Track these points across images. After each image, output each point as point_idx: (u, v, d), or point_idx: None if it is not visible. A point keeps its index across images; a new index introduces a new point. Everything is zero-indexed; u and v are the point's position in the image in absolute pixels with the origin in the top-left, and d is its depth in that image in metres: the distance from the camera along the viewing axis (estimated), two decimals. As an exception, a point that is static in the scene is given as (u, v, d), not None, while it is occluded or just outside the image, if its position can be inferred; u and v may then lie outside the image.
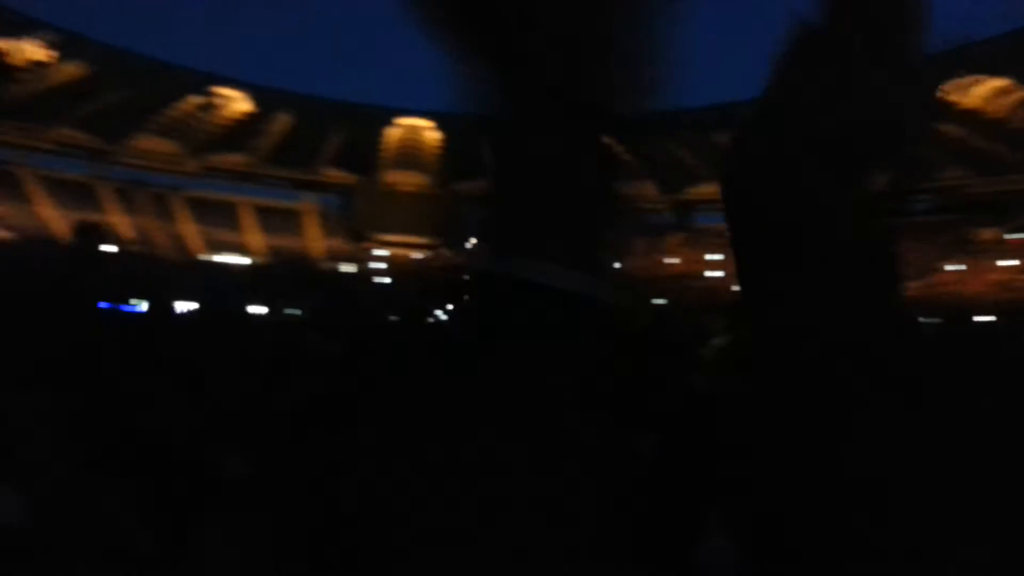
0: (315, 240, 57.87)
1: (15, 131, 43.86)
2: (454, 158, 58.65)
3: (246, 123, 55.89)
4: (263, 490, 1.72)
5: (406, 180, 60.57)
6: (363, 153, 58.36)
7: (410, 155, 60.14)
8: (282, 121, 56.32)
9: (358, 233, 58.47)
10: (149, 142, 53.19)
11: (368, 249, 57.93)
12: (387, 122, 58.91)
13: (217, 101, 54.51)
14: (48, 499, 1.15)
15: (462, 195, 61.05)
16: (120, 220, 49.74)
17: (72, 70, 47.88)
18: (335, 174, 59.22)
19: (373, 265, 55.80)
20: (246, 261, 51.48)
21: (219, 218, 55.25)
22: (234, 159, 56.76)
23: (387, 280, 52.31)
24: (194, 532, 1.38)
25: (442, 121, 58.65)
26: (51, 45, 46.05)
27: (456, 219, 61.04)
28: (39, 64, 45.83)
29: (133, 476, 1.25)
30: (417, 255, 58.49)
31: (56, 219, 47.61)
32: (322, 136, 56.98)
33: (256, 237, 55.81)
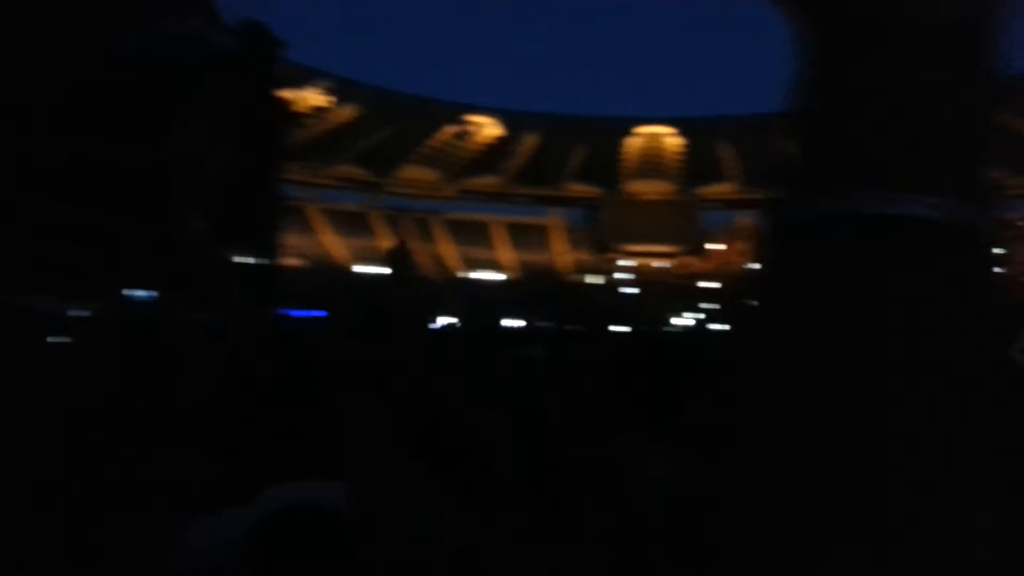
0: (562, 253, 59.45)
1: (301, 170, 49.77)
2: (695, 163, 57.42)
3: (496, 146, 58.95)
4: (558, 489, 1.77)
5: (648, 189, 60.29)
6: (605, 165, 59.03)
7: (651, 163, 59.82)
8: (529, 141, 58.67)
9: (603, 244, 59.15)
10: (413, 172, 57.94)
11: (614, 260, 58.37)
12: (627, 132, 59.14)
13: (470, 128, 58.11)
14: (373, 492, 1.25)
15: (704, 200, 59.52)
16: (389, 244, 54.65)
17: (347, 112, 53.60)
18: (579, 188, 60.48)
19: (619, 276, 56.08)
20: (500, 277, 54.15)
21: (473, 237, 58.71)
22: (486, 181, 60.04)
23: (634, 290, 52.27)
24: (491, 527, 1.44)
25: (682, 126, 57.74)
26: (328, 91, 51.91)
27: (700, 224, 59.58)
28: (319, 109, 51.83)
29: (444, 474, 1.33)
30: (662, 263, 57.91)
31: (336, 246, 53.44)
32: (566, 152, 58.50)
33: (508, 253, 58.52)
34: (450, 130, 57.54)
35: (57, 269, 9.42)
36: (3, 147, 8.81)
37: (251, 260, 16.47)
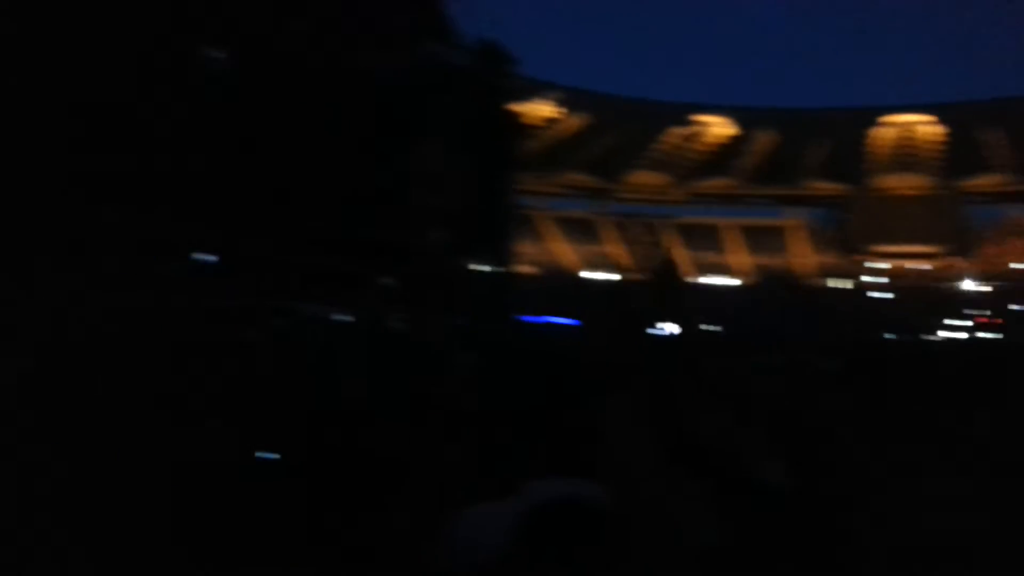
0: (803, 256, 56.10)
1: (531, 180, 51.40)
2: (956, 153, 51.70)
3: (728, 146, 57.08)
4: (808, 498, 1.67)
5: (902, 183, 55.21)
6: (851, 159, 54.93)
7: (905, 155, 54.76)
8: (764, 139, 56.16)
9: (850, 245, 54.93)
10: (641, 176, 57.71)
11: (862, 262, 54.02)
12: (874, 123, 54.62)
13: (700, 129, 56.81)
14: (630, 490, 1.24)
15: (968, 193, 53.38)
16: (617, 250, 54.79)
17: (576, 121, 54.62)
18: (821, 186, 56.78)
19: (869, 279, 51.86)
20: (734, 282, 52.26)
21: (705, 241, 57.18)
22: (718, 183, 58.28)
23: (887, 295, 48.25)
24: (748, 531, 1.38)
25: (940, 113, 52.27)
26: (558, 102, 53.22)
27: (963, 221, 53.51)
28: (549, 120, 53.29)
29: (698, 478, 1.29)
30: (920, 265, 52.66)
31: (566, 253, 54.55)
32: (806, 148, 55.25)
33: (741, 257, 56.31)
34: (679, 132, 56.60)
35: (321, 278, 10.43)
36: (266, 168, 9.92)
37: (487, 268, 17.22)
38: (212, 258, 10.24)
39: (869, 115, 55.00)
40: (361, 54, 10.83)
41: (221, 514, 1.72)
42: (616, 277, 49.59)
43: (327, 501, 1.83)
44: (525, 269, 41.54)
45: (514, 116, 20.87)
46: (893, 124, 54.38)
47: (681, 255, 55.62)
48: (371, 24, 10.69)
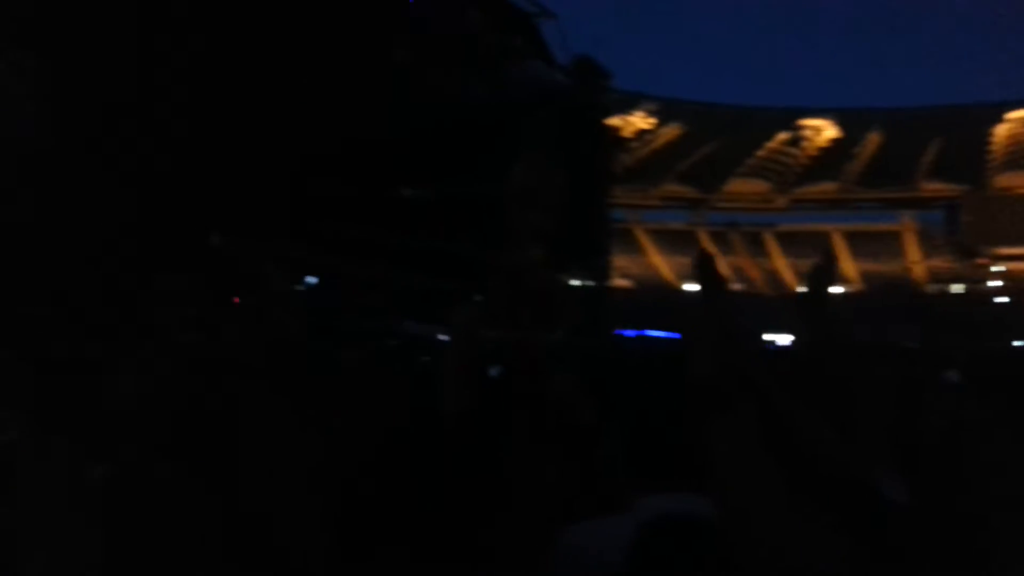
0: (915, 262, 53.42)
1: (627, 193, 51.03)
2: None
3: (832, 149, 55.14)
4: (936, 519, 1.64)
5: (1022, 182, 51.94)
6: (967, 159, 52.05)
7: (1027, 152, 51.56)
8: (871, 141, 53.98)
9: (968, 249, 51.91)
10: (740, 185, 56.39)
11: (981, 267, 50.94)
12: (993, 119, 51.62)
13: (804, 133, 55.14)
14: (744, 510, 1.23)
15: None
16: (718, 261, 53.52)
17: (670, 131, 54.02)
18: (935, 187, 54.02)
19: (989, 284, 48.85)
20: (842, 290, 50.29)
21: (809, 249, 55.23)
22: (823, 188, 56.29)
23: (1007, 300, 45.40)
24: (873, 554, 1.35)
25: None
26: (651, 113, 52.79)
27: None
28: (643, 132, 52.90)
29: (819, 499, 1.28)
30: (1048, 268, 49.26)
31: (662, 266, 53.79)
32: (917, 148, 52.74)
33: (849, 264, 54.11)
34: (781, 137, 55.08)
35: (421, 295, 10.66)
36: (370, 186, 10.24)
37: (584, 283, 17.21)
38: (313, 279, 10.62)
39: (988, 111, 52.11)
40: (459, 76, 11.09)
41: (341, 535, 1.78)
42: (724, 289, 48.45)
43: (437, 518, 1.87)
44: (622, 283, 41.23)
45: (609, 130, 20.87)
46: (1014, 120, 51.29)
47: (783, 263, 53.94)
48: (469, 46, 10.93)
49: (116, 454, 1.78)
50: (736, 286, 45.00)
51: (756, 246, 55.30)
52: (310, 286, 10.31)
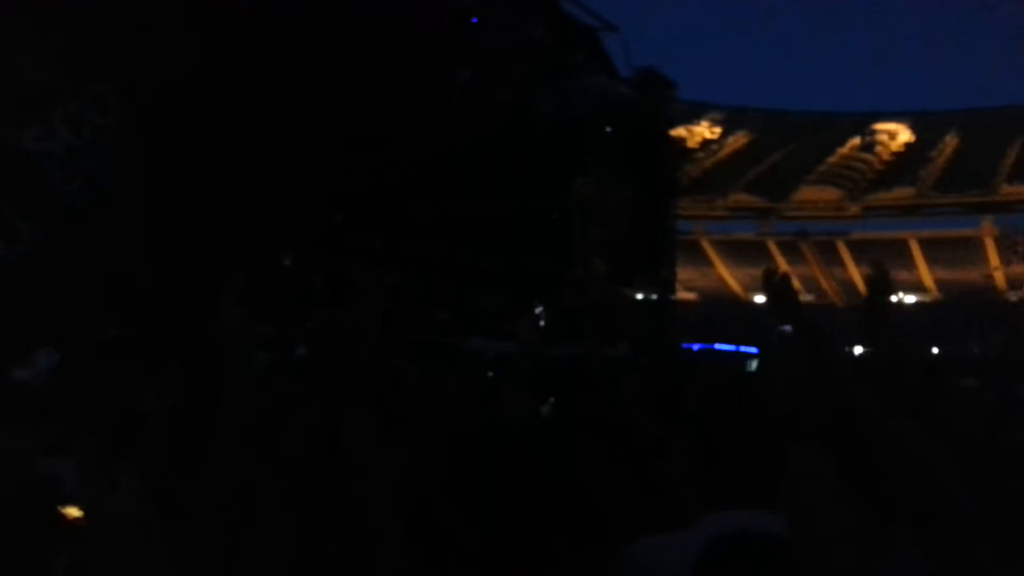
0: (996, 268, 51.14)
1: (693, 204, 50.38)
2: None
3: (907, 154, 53.36)
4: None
5: (1117, 183, 49.26)
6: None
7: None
8: (948, 144, 52.05)
9: (1054, 255, 49.46)
10: (811, 192, 54.98)
11: (1071, 273, 48.48)
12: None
13: (878, 138, 53.51)
14: (815, 529, 1.22)
15: None
16: (788, 271, 52.28)
17: (736, 140, 53.12)
18: (1016, 190, 51.70)
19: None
20: (918, 299, 48.48)
21: (885, 257, 53.44)
22: (898, 193, 54.46)
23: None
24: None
25: None
26: (716, 123, 52.03)
27: None
28: (708, 141, 52.16)
29: (897, 520, 1.26)
30: None
31: (729, 278, 52.75)
32: (996, 151, 50.60)
33: (925, 272, 52.15)
34: (853, 143, 53.56)
35: (488, 311, 10.74)
36: (435, 203, 10.39)
37: (649, 296, 17.04)
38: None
39: (1071, 109, 49.72)
40: (524, 92, 11.19)
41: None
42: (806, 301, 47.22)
43: (503, 532, 1.90)
44: (688, 296, 40.65)
45: (674, 141, 20.71)
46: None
47: (857, 273, 52.32)
48: (532, 62, 11.02)
49: (213, 472, 1.85)
50: (807, 298, 43.84)
51: (828, 255, 53.76)
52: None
